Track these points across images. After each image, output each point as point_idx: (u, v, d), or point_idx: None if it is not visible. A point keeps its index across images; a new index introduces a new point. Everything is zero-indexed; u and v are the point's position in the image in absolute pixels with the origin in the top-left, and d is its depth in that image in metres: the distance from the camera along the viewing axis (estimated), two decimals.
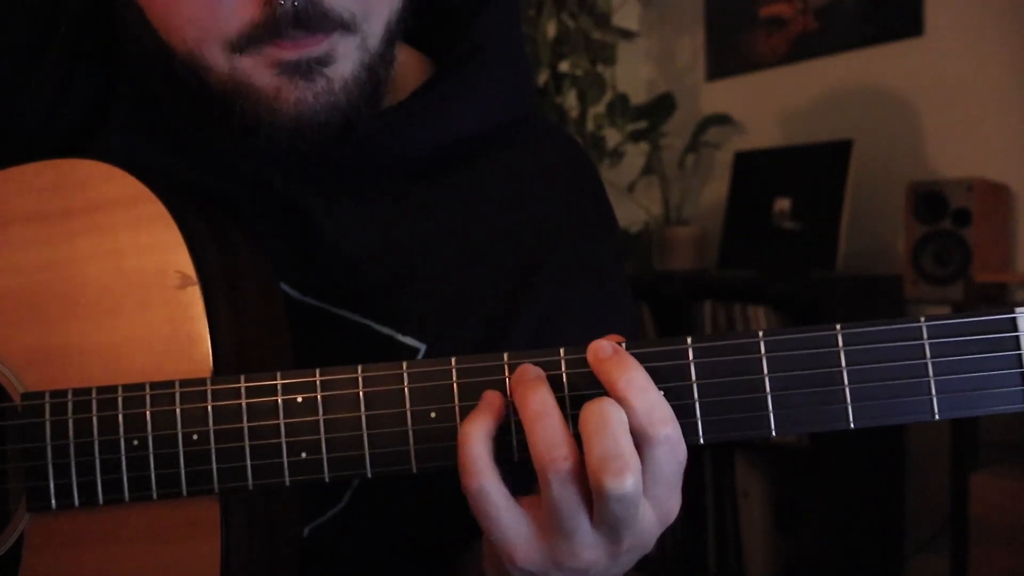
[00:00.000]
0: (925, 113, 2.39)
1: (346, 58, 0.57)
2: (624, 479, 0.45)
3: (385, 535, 0.68)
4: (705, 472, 2.49)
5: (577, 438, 0.47)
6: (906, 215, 2.17)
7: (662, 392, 0.48)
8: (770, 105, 2.71)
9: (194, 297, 0.55)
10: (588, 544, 0.48)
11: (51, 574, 0.55)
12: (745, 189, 2.56)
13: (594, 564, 0.49)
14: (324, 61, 0.56)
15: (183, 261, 0.55)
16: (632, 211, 2.80)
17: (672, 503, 0.50)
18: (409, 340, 0.64)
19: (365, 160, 0.64)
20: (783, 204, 2.43)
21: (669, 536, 2.56)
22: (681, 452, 0.48)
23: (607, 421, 0.46)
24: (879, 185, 2.45)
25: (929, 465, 2.32)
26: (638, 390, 0.47)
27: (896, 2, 2.43)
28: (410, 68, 0.71)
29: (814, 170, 2.41)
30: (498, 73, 0.68)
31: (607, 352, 0.48)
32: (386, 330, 0.64)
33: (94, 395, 0.53)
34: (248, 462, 0.52)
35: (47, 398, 0.54)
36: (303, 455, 0.51)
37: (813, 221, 2.36)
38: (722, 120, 2.68)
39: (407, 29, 0.65)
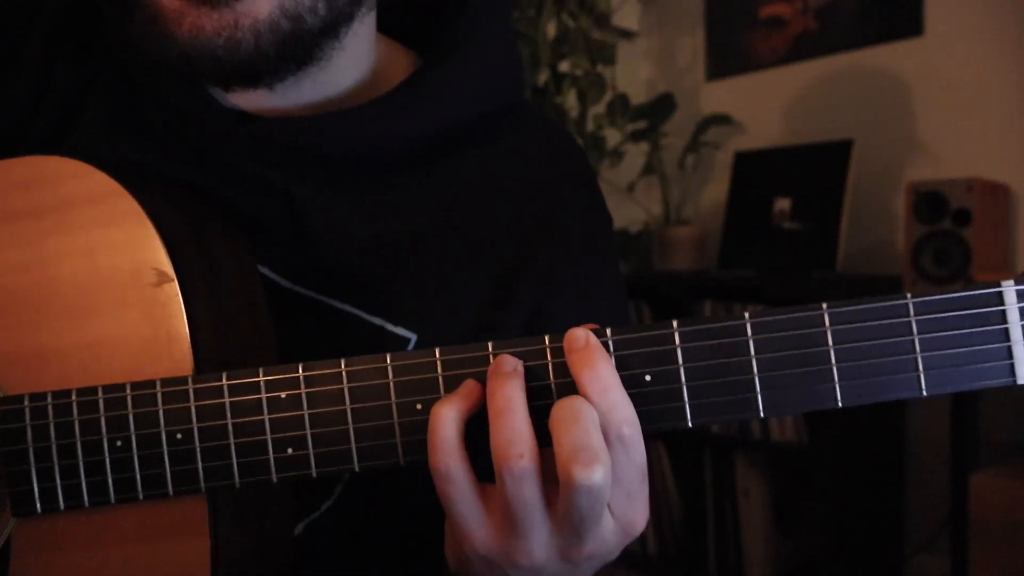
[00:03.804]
0: (925, 113, 2.39)
1: None
2: (593, 470, 0.44)
3: (379, 528, 0.68)
4: (705, 472, 2.48)
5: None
6: (906, 215, 2.17)
7: (652, 379, 0.48)
8: (770, 105, 2.71)
9: (172, 294, 0.54)
10: (542, 544, 0.48)
11: None
12: (745, 189, 2.55)
13: (547, 564, 0.49)
14: None
15: (159, 258, 0.54)
16: (632, 211, 2.79)
17: (634, 514, 0.49)
18: (400, 330, 0.64)
19: (353, 151, 0.64)
20: (783, 204, 2.43)
21: (669, 536, 2.56)
22: (639, 458, 0.48)
23: (578, 415, 0.46)
24: (879, 185, 2.44)
25: (929, 465, 2.32)
26: (600, 389, 0.47)
27: (896, 2, 2.43)
28: (398, 62, 0.71)
29: (814, 170, 2.41)
30: (485, 63, 0.68)
31: (578, 344, 0.48)
32: (377, 320, 0.63)
33: (74, 397, 0.53)
34: (234, 460, 0.51)
35: (26, 401, 0.53)
36: (289, 451, 0.51)
37: (813, 221, 2.36)
38: (722, 120, 2.67)
39: (392, 22, 0.64)
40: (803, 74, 2.63)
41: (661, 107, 2.62)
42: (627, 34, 2.91)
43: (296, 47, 0.58)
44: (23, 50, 0.65)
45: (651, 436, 2.58)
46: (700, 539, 2.49)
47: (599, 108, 2.57)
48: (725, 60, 2.83)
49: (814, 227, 2.35)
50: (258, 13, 0.55)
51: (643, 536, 2.58)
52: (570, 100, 2.55)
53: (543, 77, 2.48)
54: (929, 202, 2.13)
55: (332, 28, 0.60)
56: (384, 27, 0.72)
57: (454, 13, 0.69)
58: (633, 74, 2.93)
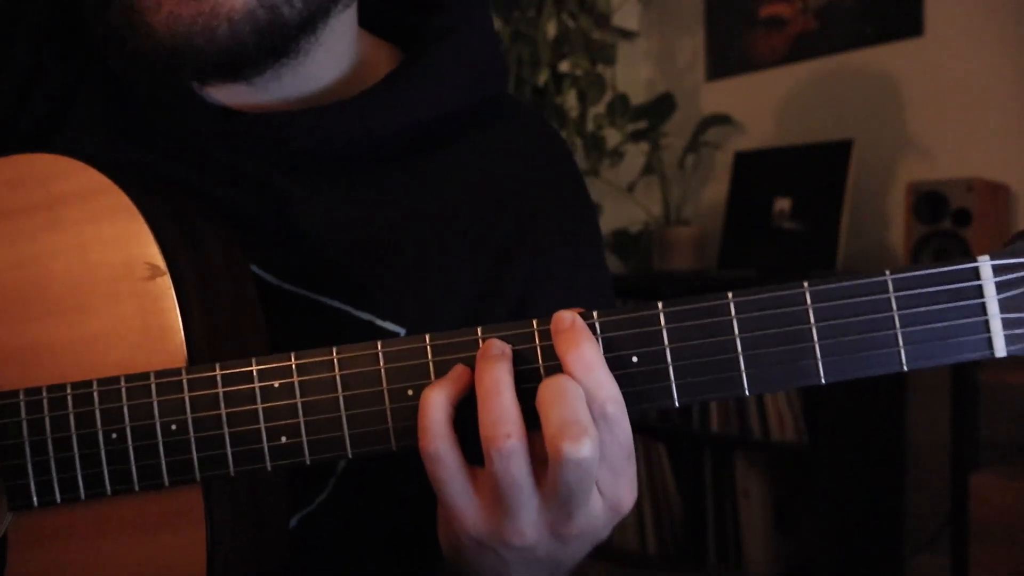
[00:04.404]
0: (925, 113, 2.39)
1: None
2: (582, 443, 0.45)
3: (374, 519, 0.68)
4: (705, 472, 2.49)
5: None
6: (906, 215, 2.17)
7: (639, 359, 0.49)
8: (770, 105, 2.71)
9: (164, 288, 0.54)
10: (532, 523, 0.49)
11: (37, 572, 0.55)
12: (745, 189, 2.55)
13: (539, 544, 0.50)
14: None
15: (150, 252, 0.54)
16: (632, 211, 2.80)
17: (621, 491, 0.50)
18: (389, 325, 0.64)
19: (338, 146, 0.64)
20: (783, 204, 2.43)
21: (669, 536, 2.56)
22: (624, 436, 0.48)
23: (564, 392, 0.46)
24: (879, 185, 2.44)
25: (929, 465, 2.32)
26: (584, 368, 0.47)
27: (896, 2, 2.43)
28: (380, 57, 0.71)
29: (814, 170, 2.41)
30: (465, 54, 0.68)
31: (564, 325, 0.49)
32: (365, 315, 0.64)
33: (69, 391, 0.53)
34: (228, 449, 0.52)
35: (21, 396, 0.54)
36: (283, 439, 0.51)
37: (813, 221, 2.36)
38: (722, 120, 2.67)
39: (374, 17, 0.64)
40: (803, 74, 2.64)
41: (661, 107, 2.63)
42: (627, 34, 2.91)
43: (274, 37, 0.58)
44: (9, 50, 0.65)
45: (652, 436, 2.58)
46: (700, 539, 2.49)
47: (599, 108, 2.57)
48: (725, 60, 2.84)
49: (814, 227, 2.35)
50: (234, 2, 0.56)
51: (643, 536, 2.58)
52: (570, 100, 2.55)
53: (543, 77, 2.48)
54: (929, 202, 2.13)
55: (309, 22, 0.60)
56: (366, 23, 0.72)
57: (434, 7, 0.70)
58: (633, 74, 2.94)
